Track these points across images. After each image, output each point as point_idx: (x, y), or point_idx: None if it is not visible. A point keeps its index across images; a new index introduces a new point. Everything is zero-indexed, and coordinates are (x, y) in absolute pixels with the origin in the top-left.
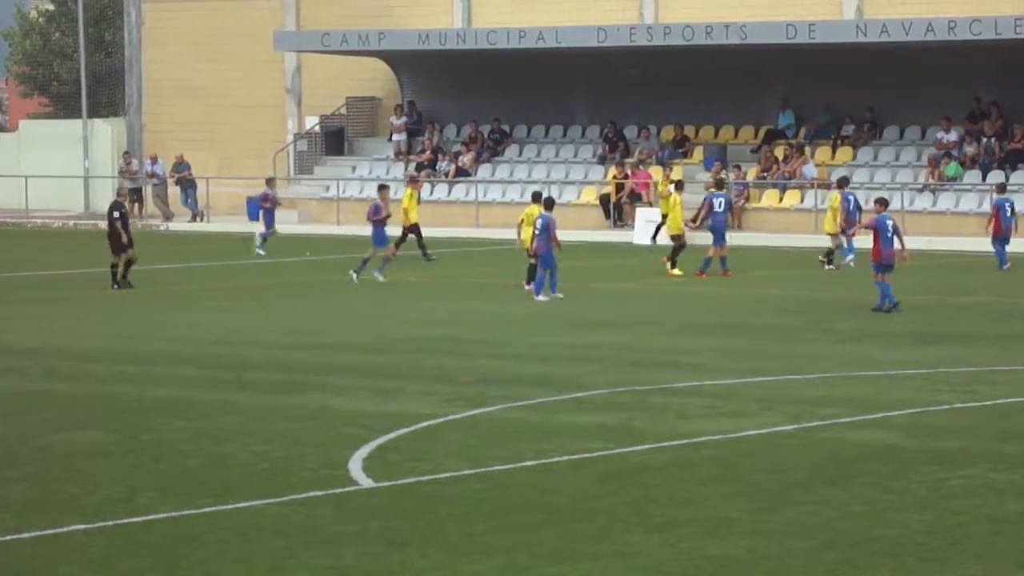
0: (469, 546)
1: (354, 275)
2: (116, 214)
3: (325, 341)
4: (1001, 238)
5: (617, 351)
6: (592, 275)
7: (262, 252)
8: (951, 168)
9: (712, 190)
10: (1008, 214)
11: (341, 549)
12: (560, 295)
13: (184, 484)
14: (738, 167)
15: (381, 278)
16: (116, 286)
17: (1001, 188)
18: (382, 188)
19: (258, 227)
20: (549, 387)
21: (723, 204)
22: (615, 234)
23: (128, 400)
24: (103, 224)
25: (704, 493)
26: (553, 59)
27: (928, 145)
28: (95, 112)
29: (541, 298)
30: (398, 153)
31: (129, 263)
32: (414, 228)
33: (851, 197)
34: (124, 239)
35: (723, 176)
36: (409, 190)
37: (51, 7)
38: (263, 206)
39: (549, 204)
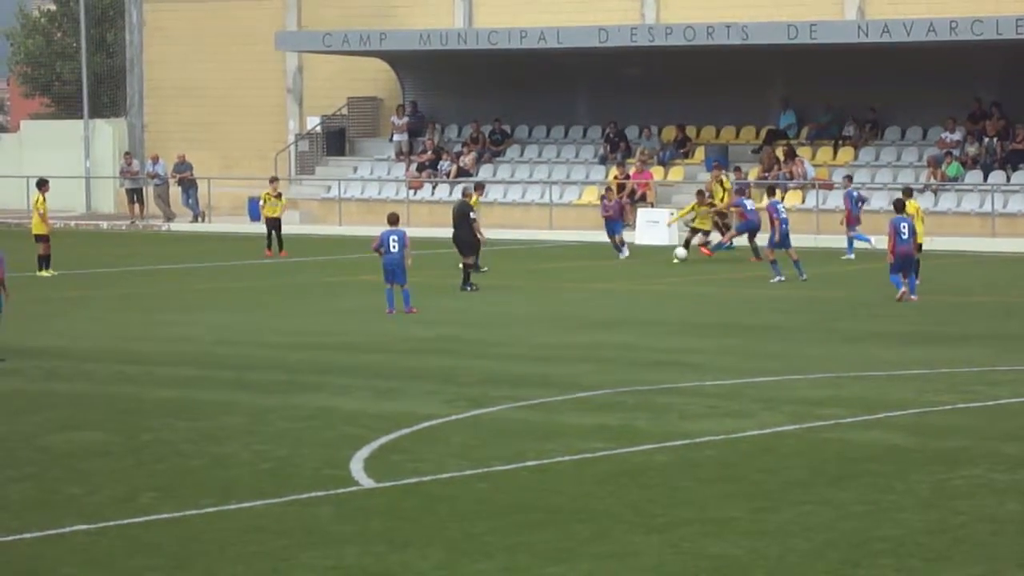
0: (470, 546)
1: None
2: (472, 215)
3: (326, 341)
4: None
5: (618, 351)
6: (593, 275)
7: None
8: (952, 168)
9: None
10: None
11: (342, 549)
12: (916, 297)
13: (185, 484)
14: (739, 168)
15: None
16: (471, 287)
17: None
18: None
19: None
20: (551, 387)
21: None
22: None
23: (129, 400)
24: (104, 224)
25: (705, 493)
26: (554, 59)
27: (930, 145)
28: (96, 112)
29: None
30: (399, 153)
31: (469, 267)
32: None
33: (854, 194)
34: (482, 239)
35: (723, 178)
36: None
37: (53, 7)
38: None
39: (899, 206)
